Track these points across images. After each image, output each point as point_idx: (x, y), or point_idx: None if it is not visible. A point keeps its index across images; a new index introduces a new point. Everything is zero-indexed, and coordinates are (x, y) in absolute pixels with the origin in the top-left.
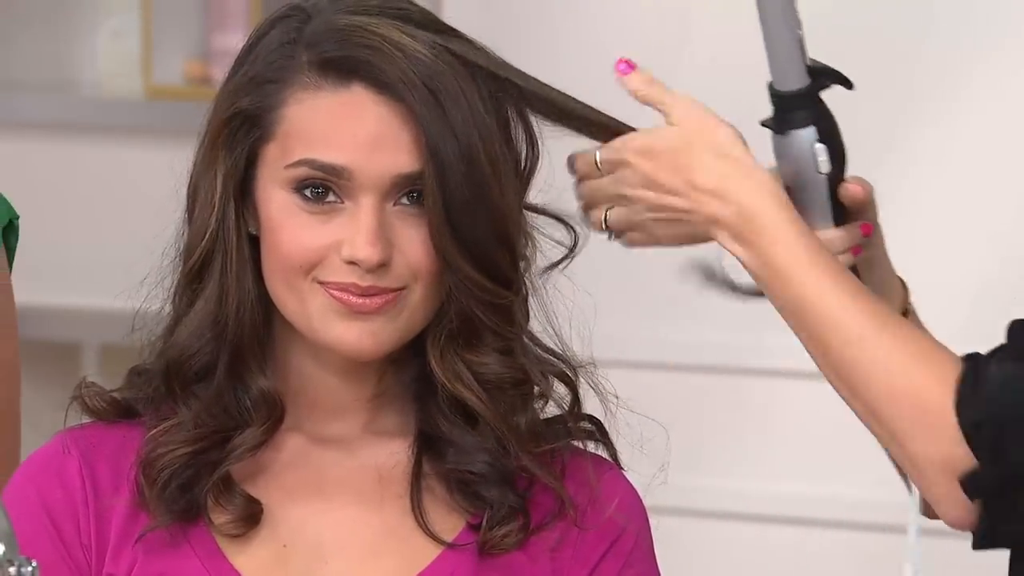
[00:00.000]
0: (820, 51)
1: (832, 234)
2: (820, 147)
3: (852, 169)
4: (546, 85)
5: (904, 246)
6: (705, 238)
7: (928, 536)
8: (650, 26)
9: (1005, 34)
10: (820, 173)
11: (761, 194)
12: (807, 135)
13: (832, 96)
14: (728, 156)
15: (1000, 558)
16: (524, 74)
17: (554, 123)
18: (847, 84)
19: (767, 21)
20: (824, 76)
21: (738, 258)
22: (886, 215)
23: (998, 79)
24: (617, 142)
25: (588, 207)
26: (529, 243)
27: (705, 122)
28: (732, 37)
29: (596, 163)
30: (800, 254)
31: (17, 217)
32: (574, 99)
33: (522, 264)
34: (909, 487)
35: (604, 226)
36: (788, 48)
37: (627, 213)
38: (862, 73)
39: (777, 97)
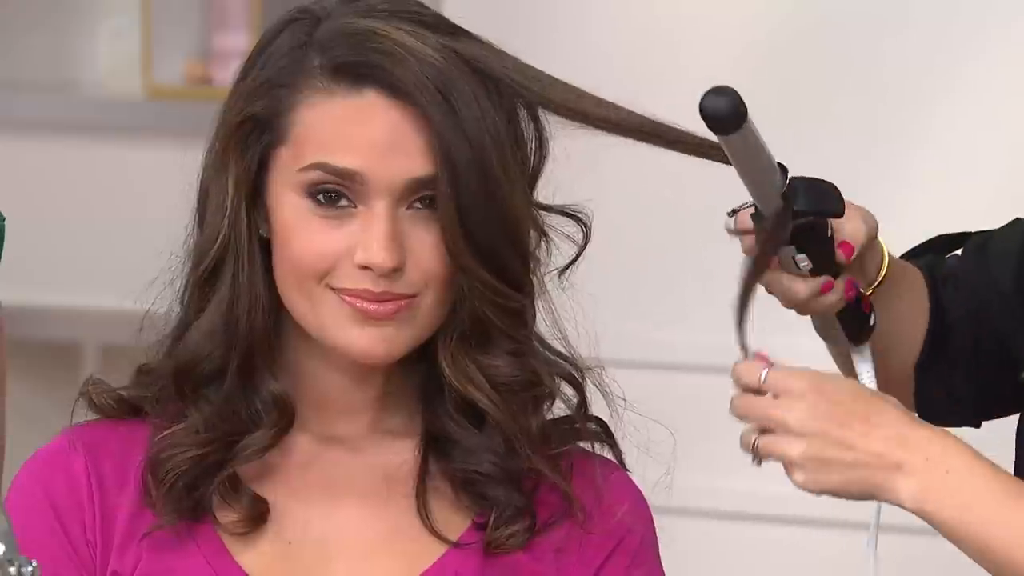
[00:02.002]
0: (813, 46)
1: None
2: (801, 256)
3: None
4: (560, 83)
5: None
6: (875, 489)
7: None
8: (649, 25)
9: (999, 30)
10: (804, 273)
11: (949, 442)
12: (786, 251)
13: (827, 94)
14: (910, 413)
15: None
16: (539, 74)
17: (574, 123)
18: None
19: (741, 164)
20: (797, 195)
21: (921, 510)
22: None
23: (990, 76)
24: (789, 370)
25: (740, 419)
26: (544, 242)
27: (879, 395)
28: (731, 35)
29: (761, 379)
30: (998, 496)
31: (3, 219)
32: (591, 96)
33: (532, 264)
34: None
35: (751, 450)
36: (763, 181)
37: (782, 445)
38: (852, 67)
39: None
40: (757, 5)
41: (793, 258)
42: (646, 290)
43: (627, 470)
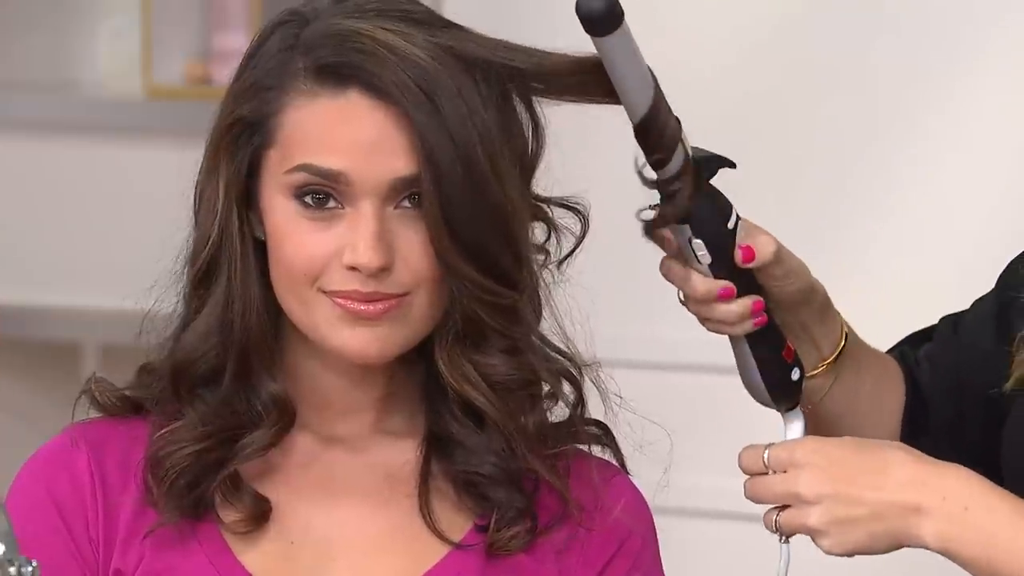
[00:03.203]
0: (810, 45)
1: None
2: (698, 243)
3: (835, 166)
4: (551, 56)
5: (897, 242)
6: (900, 537)
7: None
8: (648, 26)
9: (996, 28)
10: (704, 268)
11: (961, 476)
12: (683, 231)
13: (820, 93)
14: (916, 453)
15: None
16: (526, 54)
17: (565, 98)
18: (730, 164)
19: (616, 71)
20: (707, 163)
21: (946, 550)
22: (875, 214)
23: (989, 80)
24: (788, 443)
25: (757, 502)
26: (554, 234)
27: (880, 443)
28: (730, 36)
29: (764, 460)
30: (1020, 526)
31: None
32: (579, 61)
33: (540, 258)
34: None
35: (775, 529)
36: (639, 94)
37: (801, 517)
38: (844, 71)
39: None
40: (758, 6)
41: (690, 241)
42: (640, 288)
43: (628, 473)
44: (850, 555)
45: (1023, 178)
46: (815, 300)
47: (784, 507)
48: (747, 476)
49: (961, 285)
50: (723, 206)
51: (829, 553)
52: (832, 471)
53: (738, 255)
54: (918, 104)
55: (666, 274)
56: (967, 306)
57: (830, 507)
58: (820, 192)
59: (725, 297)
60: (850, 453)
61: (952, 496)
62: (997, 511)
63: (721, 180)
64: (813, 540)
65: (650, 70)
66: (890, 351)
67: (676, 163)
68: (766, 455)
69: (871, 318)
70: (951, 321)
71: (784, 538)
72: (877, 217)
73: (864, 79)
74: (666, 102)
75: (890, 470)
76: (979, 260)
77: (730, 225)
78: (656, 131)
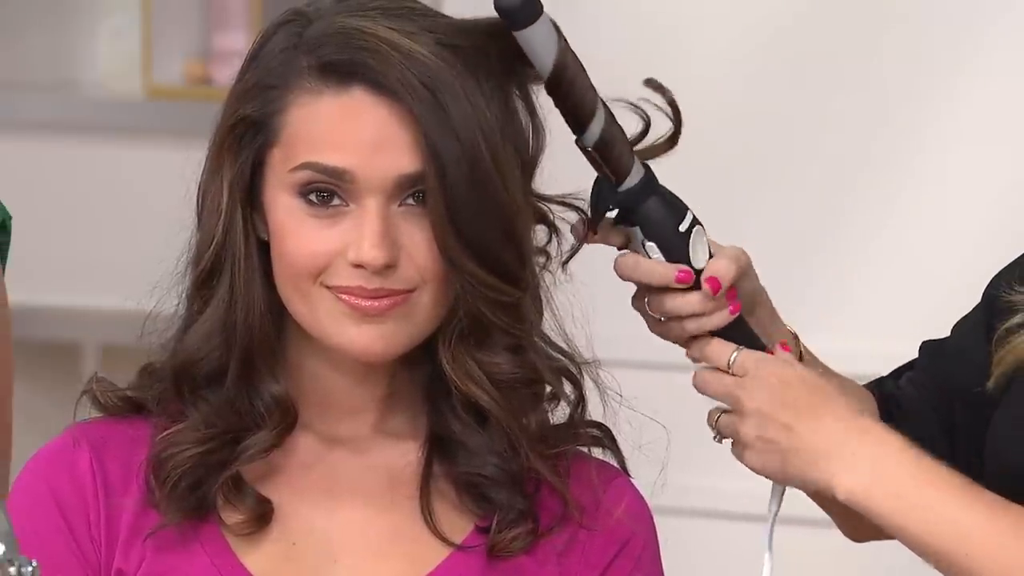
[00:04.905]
0: (813, 45)
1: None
2: (651, 245)
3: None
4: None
5: (901, 242)
6: (807, 478)
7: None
8: (647, 26)
9: (1002, 26)
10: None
11: (881, 437)
12: (634, 234)
13: (822, 92)
14: (856, 412)
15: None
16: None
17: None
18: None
19: (538, 63)
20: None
21: (849, 502)
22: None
23: (993, 79)
24: (758, 356)
25: (699, 391)
26: (555, 236)
27: (838, 387)
28: (729, 37)
29: (730, 361)
30: (919, 485)
31: (10, 218)
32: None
33: (542, 259)
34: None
35: (715, 425)
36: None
37: (736, 423)
38: (847, 69)
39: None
40: (763, 3)
41: (643, 243)
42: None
43: (629, 475)
44: (768, 476)
45: None
46: (765, 299)
47: (729, 410)
48: (701, 363)
49: (964, 283)
50: (676, 208)
51: (750, 468)
52: (779, 394)
53: (706, 289)
54: (922, 103)
55: (620, 269)
56: (970, 305)
57: (760, 424)
58: (822, 190)
59: (683, 280)
60: (802, 388)
61: (861, 452)
62: (901, 470)
63: (724, 180)
64: (738, 448)
65: (555, 24)
66: (866, 385)
67: (597, 125)
68: (734, 357)
69: (873, 315)
70: (934, 344)
71: (718, 436)
72: (880, 215)
73: (868, 77)
74: (573, 54)
75: (824, 417)
76: (982, 258)
77: (682, 228)
78: (566, 82)
